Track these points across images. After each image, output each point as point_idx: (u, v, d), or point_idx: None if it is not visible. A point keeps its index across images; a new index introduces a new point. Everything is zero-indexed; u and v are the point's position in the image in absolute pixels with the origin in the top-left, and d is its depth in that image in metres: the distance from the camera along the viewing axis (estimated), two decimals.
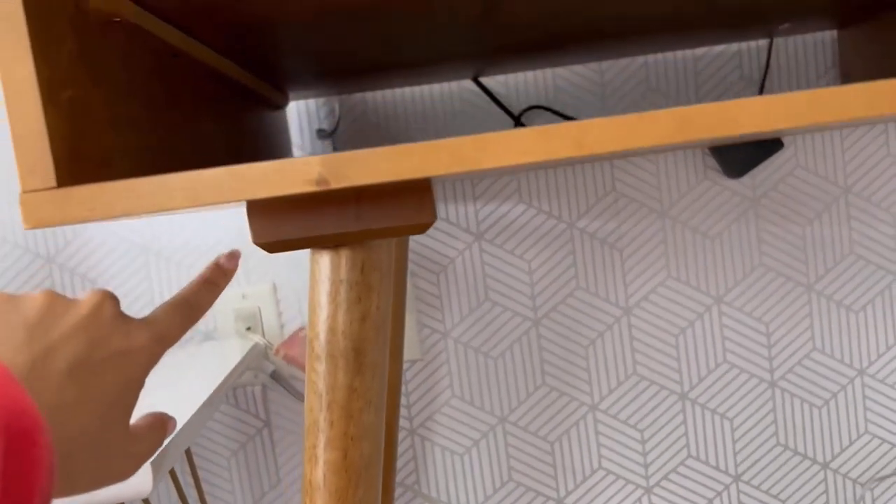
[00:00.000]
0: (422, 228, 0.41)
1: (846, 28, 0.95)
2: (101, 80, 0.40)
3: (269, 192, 0.35)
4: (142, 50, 0.46)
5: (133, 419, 0.37)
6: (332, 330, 0.43)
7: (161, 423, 0.39)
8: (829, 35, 0.98)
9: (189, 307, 0.39)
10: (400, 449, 1.01)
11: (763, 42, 0.97)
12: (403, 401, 1.00)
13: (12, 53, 0.33)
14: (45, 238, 0.96)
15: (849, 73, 0.96)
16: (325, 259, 0.43)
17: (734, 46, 0.97)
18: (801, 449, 1.03)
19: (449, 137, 0.94)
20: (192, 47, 0.53)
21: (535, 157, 0.34)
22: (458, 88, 0.97)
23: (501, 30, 0.64)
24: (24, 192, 0.34)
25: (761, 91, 0.97)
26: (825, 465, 1.04)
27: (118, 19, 0.42)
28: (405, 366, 1.00)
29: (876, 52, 0.90)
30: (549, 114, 0.96)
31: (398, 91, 0.97)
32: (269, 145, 0.83)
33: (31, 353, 0.32)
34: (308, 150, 0.97)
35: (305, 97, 0.93)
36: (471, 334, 1.00)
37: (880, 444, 1.03)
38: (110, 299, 0.36)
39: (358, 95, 0.96)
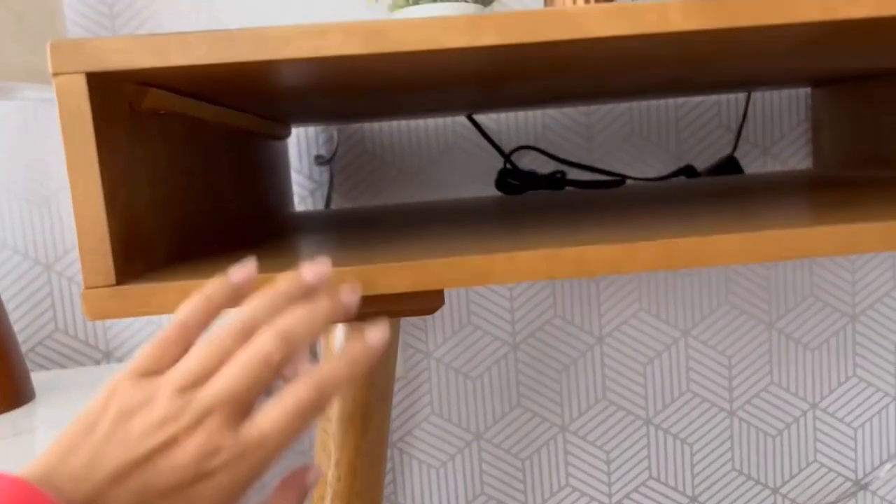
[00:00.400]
0: (431, 312, 0.45)
1: (819, 87, 1.01)
2: (149, 172, 0.44)
3: None
4: (179, 129, 0.50)
5: None
6: (342, 395, 0.48)
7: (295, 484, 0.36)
8: (803, 91, 1.04)
9: (308, 404, 0.34)
10: None
11: (742, 94, 1.03)
12: None
13: (81, 159, 0.37)
14: (44, 244, 0.99)
15: (819, 128, 1.02)
16: (339, 331, 0.48)
17: (714, 97, 1.03)
18: (753, 474, 1.11)
19: (443, 174, 0.98)
20: (219, 115, 0.57)
21: (540, 276, 0.39)
22: (453, 123, 1.01)
23: (497, 97, 0.69)
24: (87, 287, 0.38)
25: (738, 138, 1.03)
26: (775, 490, 1.11)
27: (163, 111, 0.46)
28: None
29: (845, 111, 0.96)
30: (535, 153, 1.01)
31: (395, 123, 1.01)
32: (271, 172, 0.87)
33: (87, 470, 0.30)
34: (306, 173, 1.01)
35: (306, 126, 0.97)
36: (452, 355, 1.05)
37: (827, 473, 1.11)
38: (223, 408, 0.32)
39: (356, 125, 1.00)
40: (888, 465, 1.11)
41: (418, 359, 1.05)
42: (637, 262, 0.39)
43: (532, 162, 1.02)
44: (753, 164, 1.05)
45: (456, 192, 1.02)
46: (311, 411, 0.34)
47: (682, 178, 1.03)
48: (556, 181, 0.99)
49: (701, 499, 1.11)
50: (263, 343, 0.34)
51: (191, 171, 0.53)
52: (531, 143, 1.02)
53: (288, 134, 0.91)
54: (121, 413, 0.32)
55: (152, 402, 0.32)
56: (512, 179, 0.99)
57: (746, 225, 0.43)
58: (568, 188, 0.99)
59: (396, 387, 1.05)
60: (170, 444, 0.31)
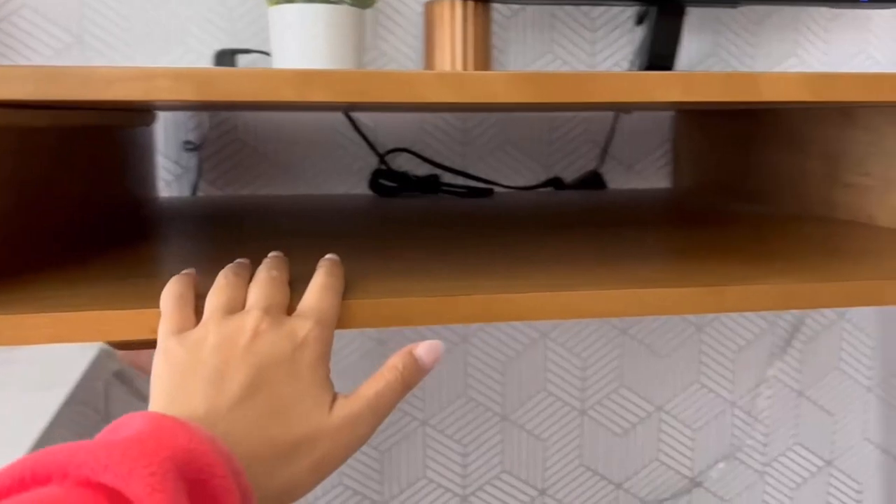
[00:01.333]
0: None
1: (681, 113, 1.06)
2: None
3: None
4: (15, 140, 0.48)
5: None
6: None
7: (394, 370, 0.41)
8: (668, 114, 1.09)
9: (333, 289, 0.42)
10: None
11: (610, 112, 1.07)
12: None
13: None
14: None
15: (679, 151, 1.07)
16: None
17: (584, 113, 1.06)
18: (599, 470, 1.17)
19: (316, 169, 0.98)
20: (58, 118, 0.55)
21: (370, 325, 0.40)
22: (330, 118, 1.01)
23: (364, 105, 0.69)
24: None
25: (604, 154, 1.07)
26: (619, 486, 1.18)
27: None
28: None
29: (705, 139, 1.02)
30: (410, 155, 1.02)
31: (269, 113, 0.99)
32: (136, 158, 0.84)
33: (205, 392, 0.36)
34: (174, 158, 0.98)
35: (173, 110, 0.94)
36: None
37: (667, 470, 1.19)
38: (264, 314, 0.39)
39: (227, 112, 0.98)
40: (720, 465, 1.20)
41: None
42: (456, 316, 0.41)
43: (407, 163, 1.03)
44: (618, 180, 1.09)
45: (328, 187, 1.02)
46: (337, 286, 0.42)
47: (550, 189, 1.07)
48: (429, 184, 1.01)
49: (549, 492, 1.16)
50: (263, 267, 0.44)
51: (35, 179, 0.51)
52: (407, 145, 1.03)
53: (152, 120, 0.88)
54: (204, 343, 0.39)
55: (216, 328, 0.39)
56: (385, 180, 1.00)
57: (596, 279, 0.46)
58: (441, 193, 1.01)
59: None
60: (257, 334, 0.39)
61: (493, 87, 0.39)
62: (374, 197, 0.98)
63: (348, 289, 0.43)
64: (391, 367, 0.42)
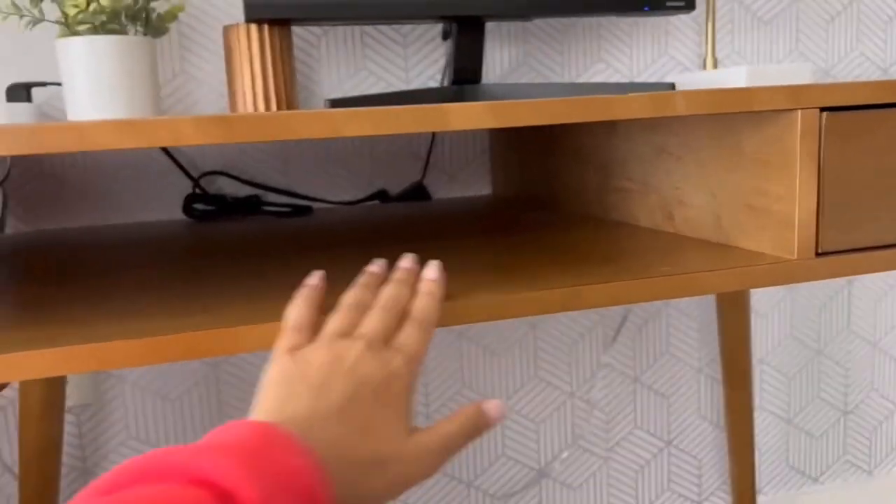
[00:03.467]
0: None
1: None
2: None
3: None
4: None
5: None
6: None
7: (468, 418, 0.45)
8: None
9: (426, 324, 0.46)
10: (73, 486, 1.04)
11: None
12: (76, 442, 1.03)
13: None
14: None
15: (496, 160, 1.12)
16: None
17: None
18: (449, 471, 1.20)
19: (131, 197, 0.97)
20: None
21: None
22: None
23: None
24: None
25: (426, 166, 1.10)
26: (469, 484, 1.22)
27: None
28: (77, 410, 1.02)
29: (516, 149, 1.06)
30: (226, 179, 1.02)
31: None
32: None
33: (308, 397, 0.41)
34: None
35: None
36: (149, 378, 1.04)
37: (514, 465, 1.24)
38: (369, 343, 0.43)
39: None
40: (565, 454, 1.26)
41: (112, 383, 1.03)
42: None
43: (229, 185, 1.03)
44: (442, 189, 1.13)
45: (144, 215, 1.01)
46: (432, 320, 0.47)
47: (377, 203, 1.09)
48: (249, 205, 1.01)
49: (402, 496, 1.19)
50: (382, 296, 0.48)
51: None
52: (227, 167, 1.03)
53: None
54: (314, 359, 0.43)
55: (327, 348, 0.43)
56: (201, 204, 0.99)
57: None
58: (262, 213, 1.01)
59: (87, 414, 1.03)
60: (360, 359, 0.43)
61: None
62: (191, 222, 0.98)
63: (151, 321, 0.44)
64: (464, 414, 0.46)
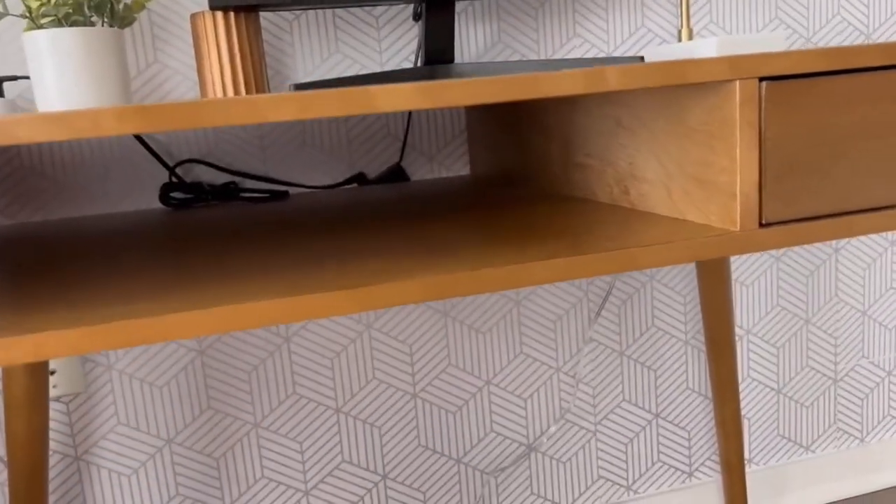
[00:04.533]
0: None
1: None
2: None
3: None
4: None
5: None
6: None
7: None
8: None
9: None
10: (65, 475, 1.06)
11: None
12: (66, 430, 1.05)
13: None
14: None
15: (473, 141, 1.12)
16: None
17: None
18: (438, 448, 1.22)
19: (110, 188, 0.98)
20: None
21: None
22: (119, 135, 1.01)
23: None
24: None
25: (403, 148, 1.11)
26: (459, 461, 1.23)
27: None
28: (66, 399, 1.04)
29: (492, 129, 1.06)
30: (203, 166, 1.03)
31: None
32: None
33: None
34: None
35: None
36: (136, 366, 1.06)
37: (503, 440, 1.25)
38: None
39: None
40: (553, 428, 1.27)
41: (99, 372, 1.05)
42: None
43: (207, 173, 1.04)
44: (421, 170, 1.13)
45: (124, 205, 1.02)
46: None
47: (355, 186, 1.10)
48: (227, 192, 1.02)
49: (392, 475, 1.21)
50: None
51: None
52: (204, 155, 1.04)
53: None
54: None
55: None
56: (178, 193, 1.01)
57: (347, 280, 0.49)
58: (240, 200, 1.02)
59: (76, 402, 1.05)
60: None
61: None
62: (168, 211, 0.99)
63: (135, 303, 0.45)
64: None
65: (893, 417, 1.47)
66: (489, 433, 1.24)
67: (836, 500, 1.44)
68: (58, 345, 0.42)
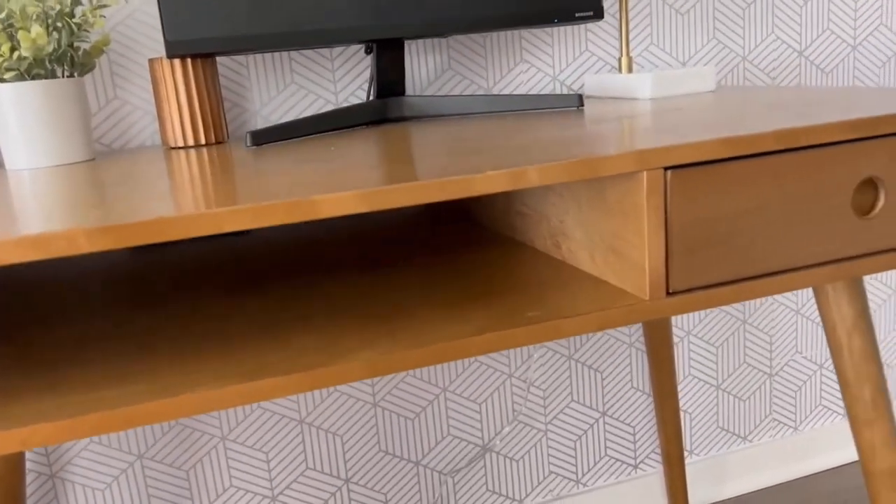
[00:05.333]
0: None
1: None
2: None
3: None
4: None
5: None
6: None
7: None
8: None
9: None
10: (41, 492, 1.11)
11: None
12: (42, 450, 1.10)
13: None
14: None
15: None
16: None
17: None
18: (398, 452, 1.29)
19: None
20: None
21: None
22: None
23: None
24: None
25: None
26: (418, 463, 1.31)
27: None
28: None
29: None
30: None
31: None
32: None
33: None
34: None
35: None
36: None
37: (459, 443, 1.33)
38: None
39: None
40: (506, 429, 1.35)
41: None
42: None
43: None
44: None
45: None
46: None
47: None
48: None
49: (354, 479, 1.28)
50: None
51: None
52: None
53: None
54: None
55: None
56: None
57: None
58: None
59: None
60: None
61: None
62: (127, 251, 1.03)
63: (101, 390, 0.50)
64: None
65: (825, 407, 1.58)
66: (446, 436, 1.32)
67: (772, 485, 1.54)
68: (28, 437, 0.48)
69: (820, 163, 0.64)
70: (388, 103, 1.05)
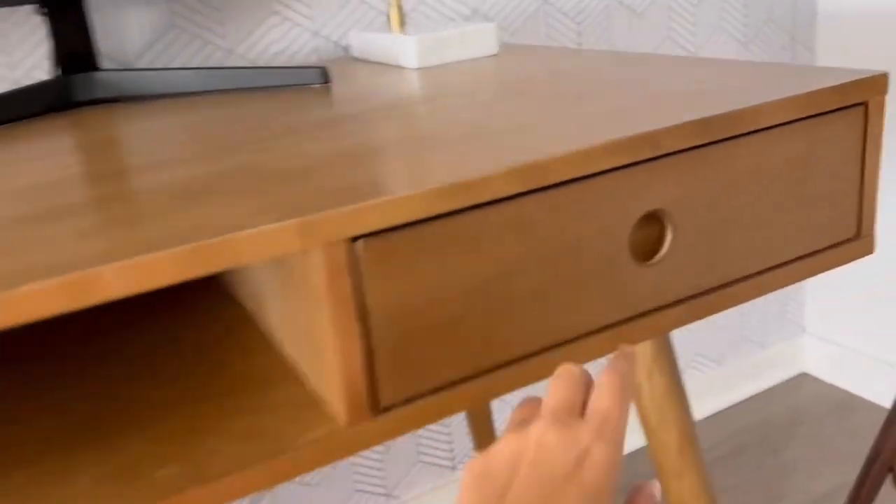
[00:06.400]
0: None
1: None
2: None
3: None
4: None
5: None
6: None
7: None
8: None
9: (624, 392, 0.37)
10: None
11: None
12: None
13: None
14: None
15: None
16: None
17: None
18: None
19: None
20: None
21: None
22: None
23: None
24: None
25: None
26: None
27: None
28: None
29: None
30: None
31: None
32: None
33: None
34: None
35: None
36: None
37: (430, 467, 1.13)
38: (551, 424, 0.35)
39: None
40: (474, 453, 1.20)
41: None
42: None
43: None
44: None
45: None
46: (628, 386, 0.37)
47: None
48: None
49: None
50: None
51: None
52: None
53: None
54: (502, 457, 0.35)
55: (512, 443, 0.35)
56: None
57: None
58: None
59: None
60: (541, 446, 0.34)
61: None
62: None
63: None
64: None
65: None
66: (417, 464, 1.12)
67: None
68: None
69: (583, 200, 0.46)
70: (74, 81, 0.79)
